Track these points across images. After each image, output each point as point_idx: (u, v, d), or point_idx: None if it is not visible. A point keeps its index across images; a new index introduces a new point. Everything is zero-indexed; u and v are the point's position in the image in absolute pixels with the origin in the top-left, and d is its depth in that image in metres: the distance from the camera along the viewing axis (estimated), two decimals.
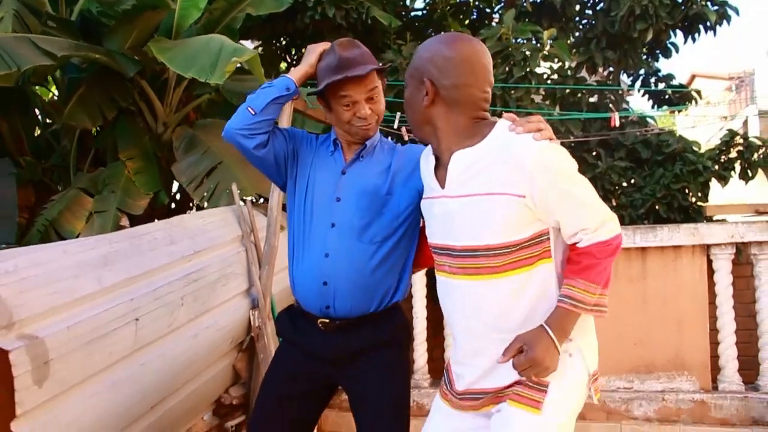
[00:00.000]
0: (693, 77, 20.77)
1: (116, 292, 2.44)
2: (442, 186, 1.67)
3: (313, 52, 2.01)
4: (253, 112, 1.94)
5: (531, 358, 1.53)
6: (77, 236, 4.40)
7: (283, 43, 6.57)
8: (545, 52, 4.82)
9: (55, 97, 6.09)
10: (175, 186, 5.70)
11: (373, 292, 2.00)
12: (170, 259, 2.85)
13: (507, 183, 1.54)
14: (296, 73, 2.01)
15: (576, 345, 1.62)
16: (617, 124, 5.03)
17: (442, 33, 1.81)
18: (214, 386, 3.26)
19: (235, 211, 3.61)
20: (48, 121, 5.99)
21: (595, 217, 1.57)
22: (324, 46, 2.01)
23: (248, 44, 6.17)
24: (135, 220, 4.50)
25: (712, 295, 3.98)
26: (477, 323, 1.65)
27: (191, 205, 5.91)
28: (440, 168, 1.70)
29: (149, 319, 2.58)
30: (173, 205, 5.54)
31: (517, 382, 1.61)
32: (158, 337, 2.65)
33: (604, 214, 1.59)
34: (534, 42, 4.98)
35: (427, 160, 1.79)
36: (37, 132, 5.86)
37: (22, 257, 2.14)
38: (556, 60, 5.50)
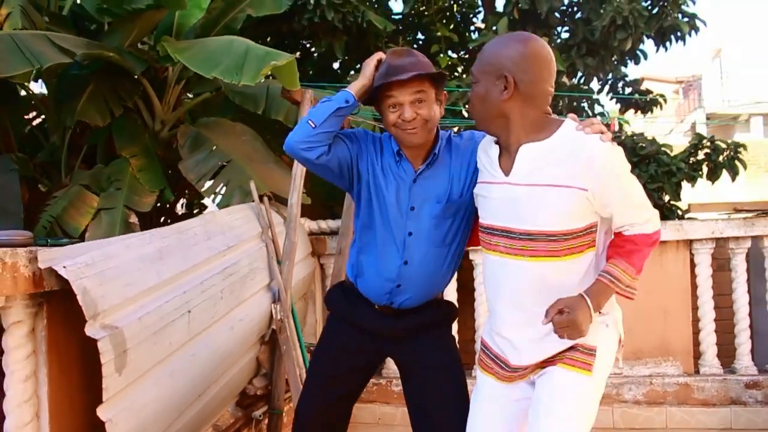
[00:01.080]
0: (642, 80, 21.51)
1: (172, 284, 2.57)
2: (506, 174, 1.84)
3: (368, 65, 2.06)
4: (314, 125, 1.98)
5: (571, 319, 1.69)
6: (83, 233, 4.44)
7: (272, 43, 6.67)
8: None
9: (33, 92, 6.02)
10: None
11: (439, 286, 2.20)
12: (210, 254, 2.97)
13: (573, 177, 1.72)
14: (354, 87, 2.06)
15: (612, 317, 1.89)
16: (617, 128, 5.33)
17: (512, 33, 1.91)
18: (242, 377, 3.40)
19: (254, 209, 3.74)
20: (25, 116, 5.94)
21: (644, 214, 1.81)
22: (379, 56, 2.08)
23: None
24: (142, 218, 4.56)
25: (693, 286, 4.32)
26: (528, 298, 1.84)
27: (183, 203, 5.97)
28: (505, 157, 1.86)
29: (198, 311, 2.71)
30: (167, 205, 5.58)
31: (570, 348, 1.83)
32: (204, 328, 2.78)
33: (651, 211, 1.83)
34: None
35: (488, 149, 1.94)
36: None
37: (95, 251, 2.25)
38: None
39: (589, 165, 1.72)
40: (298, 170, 3.66)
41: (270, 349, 3.63)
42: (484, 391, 2.01)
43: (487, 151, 1.95)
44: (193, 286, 2.71)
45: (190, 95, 5.75)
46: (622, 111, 7.59)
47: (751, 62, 17.50)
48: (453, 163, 2.12)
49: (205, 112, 5.61)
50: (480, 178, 1.98)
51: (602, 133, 1.77)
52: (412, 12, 6.55)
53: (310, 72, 6.86)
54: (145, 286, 2.38)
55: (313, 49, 6.03)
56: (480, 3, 6.87)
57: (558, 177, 1.75)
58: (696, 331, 4.34)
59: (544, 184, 1.76)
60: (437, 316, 2.23)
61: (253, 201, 3.79)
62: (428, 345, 2.19)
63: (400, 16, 7.10)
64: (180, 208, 6.30)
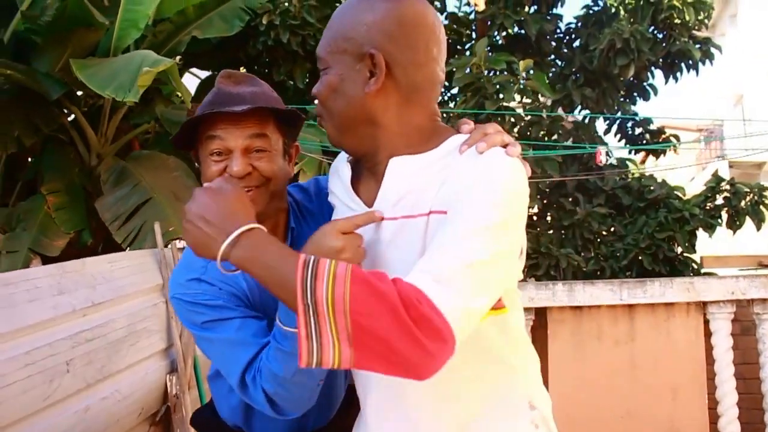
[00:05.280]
0: (663, 128, 20.78)
1: None
2: (369, 204, 1.14)
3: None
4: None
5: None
6: None
7: None
8: (521, 85, 4.42)
9: None
10: None
11: (344, 388, 1.52)
12: (55, 314, 2.29)
13: (443, 198, 1.03)
14: None
15: (541, 414, 1.15)
16: (603, 160, 4.62)
17: None
18: None
19: (157, 255, 3.06)
20: None
21: (466, 290, 0.94)
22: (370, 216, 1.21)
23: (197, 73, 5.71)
24: (51, 263, 3.90)
25: (709, 357, 3.51)
26: (412, 399, 1.12)
27: (125, 247, 5.32)
28: (368, 179, 1.17)
29: (14, 391, 2.01)
30: (102, 246, 4.94)
31: None
32: (29, 413, 2.08)
33: (465, 303, 0.93)
34: (509, 74, 4.58)
35: (340, 171, 1.23)
36: None
37: None
38: (527, 96, 5.10)
39: (466, 179, 1.02)
40: None
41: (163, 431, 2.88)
42: None
43: (340, 173, 1.23)
44: (9, 357, 2.02)
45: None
46: (643, 159, 6.88)
47: None
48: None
49: (153, 145, 5.03)
50: (335, 215, 1.24)
51: (504, 145, 1.05)
52: None
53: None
54: None
55: (284, 79, 5.42)
56: (473, 32, 6.25)
57: (427, 202, 1.06)
58: (712, 407, 3.50)
59: (409, 216, 1.07)
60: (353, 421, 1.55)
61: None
62: None
63: None
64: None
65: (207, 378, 1.60)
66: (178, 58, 3.54)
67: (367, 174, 1.17)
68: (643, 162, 7.14)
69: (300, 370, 1.16)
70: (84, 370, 2.33)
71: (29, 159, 5.17)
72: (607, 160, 5.04)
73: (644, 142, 6.64)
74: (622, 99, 6.08)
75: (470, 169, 1.02)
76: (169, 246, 3.09)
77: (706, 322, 3.53)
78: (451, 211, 1.00)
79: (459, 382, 1.09)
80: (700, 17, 4.92)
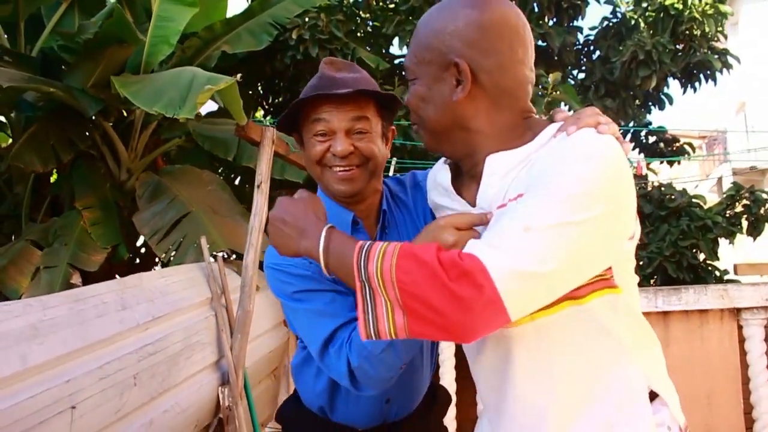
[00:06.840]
0: (673, 136, 20.84)
1: (47, 372, 1.92)
2: (473, 203, 1.19)
3: None
4: (403, 364, 1.31)
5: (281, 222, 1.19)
6: (21, 295, 3.85)
7: (260, 87, 6.18)
8: (550, 98, 4.48)
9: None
10: (141, 239, 5.18)
11: (430, 376, 1.65)
12: (122, 328, 2.33)
13: (527, 181, 1.06)
14: None
15: (670, 414, 1.14)
16: (644, 172, 4.69)
17: None
18: None
19: (204, 269, 3.12)
20: None
21: (518, 251, 0.95)
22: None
23: None
24: (89, 278, 3.95)
25: (744, 363, 3.56)
26: (537, 393, 1.14)
27: (157, 261, 5.37)
28: (468, 181, 1.22)
29: (91, 405, 2.05)
30: (138, 261, 4.99)
31: None
32: (103, 427, 2.12)
33: (516, 263, 0.94)
34: (537, 87, 4.66)
35: (438, 177, 1.30)
36: None
37: None
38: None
39: (550, 158, 1.04)
40: (256, 223, 3.03)
41: None
42: None
43: (437, 179, 1.30)
44: (86, 371, 2.06)
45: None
46: (648, 163, 6.95)
47: None
48: (407, 225, 1.50)
49: (179, 160, 5.08)
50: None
51: (598, 124, 1.05)
52: None
53: None
54: None
55: None
56: None
57: (517, 190, 1.09)
58: (747, 411, 3.55)
59: (507, 201, 1.10)
60: (434, 416, 1.70)
61: (205, 260, 3.16)
62: None
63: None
64: (155, 267, 5.71)
65: (291, 367, 1.63)
66: (239, 75, 3.59)
67: (467, 177, 1.22)
68: (652, 157, 7.19)
69: (388, 348, 1.22)
70: (149, 383, 2.38)
71: (51, 175, 5.23)
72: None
73: (658, 151, 6.72)
74: (638, 109, 6.16)
75: (556, 149, 1.04)
76: (216, 259, 3.14)
77: (739, 328, 3.59)
78: (529, 189, 1.02)
79: (568, 360, 1.11)
80: (719, 28, 5.00)
